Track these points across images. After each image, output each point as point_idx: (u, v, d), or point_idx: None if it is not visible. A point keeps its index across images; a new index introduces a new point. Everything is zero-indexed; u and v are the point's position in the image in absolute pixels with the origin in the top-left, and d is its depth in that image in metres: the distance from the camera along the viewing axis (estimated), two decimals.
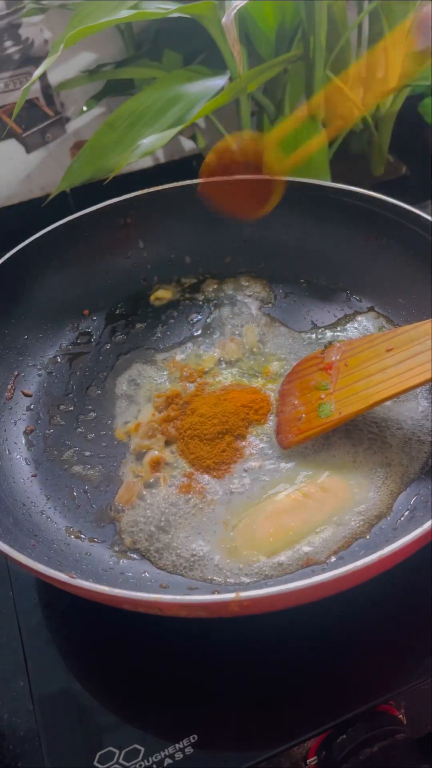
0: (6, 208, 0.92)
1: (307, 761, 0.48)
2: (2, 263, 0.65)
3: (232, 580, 0.50)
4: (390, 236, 0.67)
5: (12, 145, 0.88)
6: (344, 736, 0.46)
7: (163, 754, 0.45)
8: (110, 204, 0.70)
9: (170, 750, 0.46)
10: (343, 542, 0.52)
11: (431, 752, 0.49)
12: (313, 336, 0.67)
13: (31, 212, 0.91)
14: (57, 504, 0.57)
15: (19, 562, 0.44)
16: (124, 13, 0.68)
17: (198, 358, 0.66)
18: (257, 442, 0.59)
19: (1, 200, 0.92)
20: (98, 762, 0.45)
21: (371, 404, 0.55)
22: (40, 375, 0.66)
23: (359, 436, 0.58)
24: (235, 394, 0.61)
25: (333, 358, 0.60)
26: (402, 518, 0.52)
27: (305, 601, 0.43)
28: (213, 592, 0.49)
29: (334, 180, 0.72)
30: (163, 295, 0.73)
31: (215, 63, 0.78)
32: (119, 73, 0.85)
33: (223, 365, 0.66)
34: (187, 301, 0.72)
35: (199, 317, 0.71)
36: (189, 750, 0.45)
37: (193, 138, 0.93)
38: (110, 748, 0.46)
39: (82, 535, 0.54)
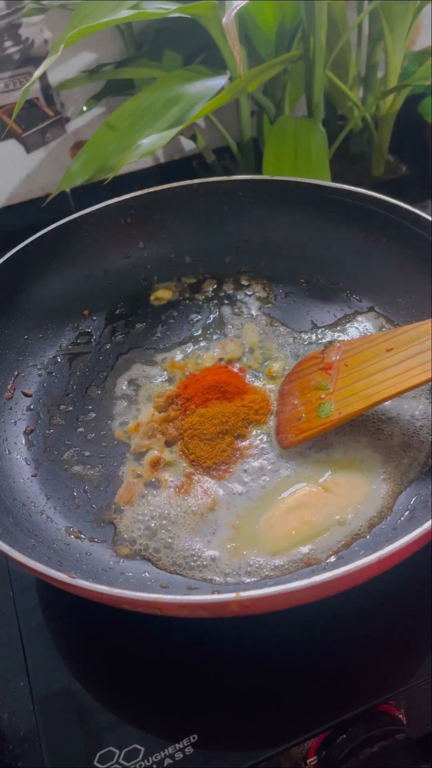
0: (6, 208, 0.92)
1: (307, 761, 0.48)
2: (2, 263, 0.65)
3: (232, 580, 0.50)
4: (390, 236, 0.67)
5: (12, 145, 0.88)
6: (344, 736, 0.46)
7: (163, 754, 0.45)
8: (110, 204, 0.70)
9: (170, 750, 0.46)
10: (343, 542, 0.52)
11: (431, 752, 0.49)
12: (313, 336, 0.67)
13: (31, 212, 0.91)
14: (57, 504, 0.57)
15: (19, 562, 0.44)
16: (124, 13, 0.68)
17: (198, 358, 0.66)
18: (257, 442, 0.59)
19: (1, 200, 0.92)
20: (98, 762, 0.45)
21: (371, 404, 0.55)
22: (40, 375, 0.66)
23: (359, 435, 0.58)
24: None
25: (333, 358, 0.60)
26: (402, 518, 0.52)
27: (305, 601, 0.43)
28: (213, 592, 0.49)
29: (334, 180, 0.72)
30: (163, 295, 0.73)
31: (215, 63, 0.78)
32: (119, 73, 0.85)
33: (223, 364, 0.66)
34: (187, 301, 0.72)
35: (199, 317, 0.71)
36: (189, 750, 0.46)
37: (193, 138, 0.93)
38: (110, 748, 0.46)
39: (82, 535, 0.54)
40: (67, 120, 0.90)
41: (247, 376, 0.64)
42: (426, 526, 0.43)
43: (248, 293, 0.72)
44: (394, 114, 0.85)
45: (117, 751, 0.46)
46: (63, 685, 0.50)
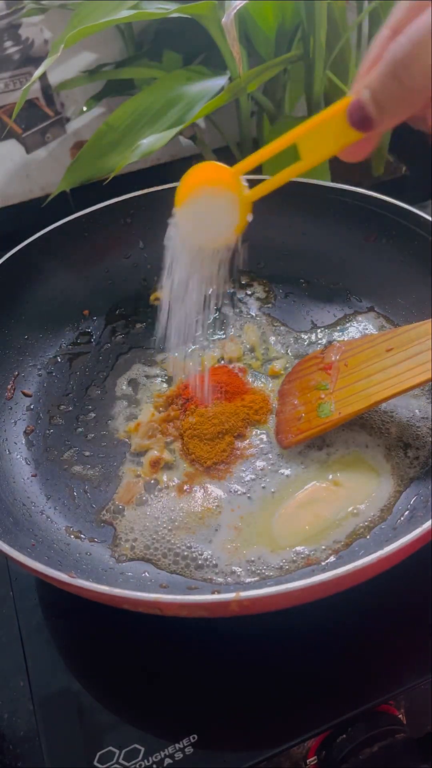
0: (6, 208, 0.92)
1: (307, 761, 0.48)
2: (2, 263, 0.65)
3: (232, 580, 0.50)
4: (390, 236, 0.67)
5: (12, 145, 0.88)
6: (344, 736, 0.46)
7: (163, 754, 0.45)
8: (110, 204, 0.70)
9: (170, 750, 0.46)
10: (343, 542, 0.52)
11: (431, 752, 0.49)
12: (313, 336, 0.67)
13: (31, 212, 0.91)
14: (57, 504, 0.57)
15: (19, 562, 0.44)
16: (124, 13, 0.68)
17: (198, 358, 0.66)
18: (257, 442, 0.59)
19: (1, 200, 0.92)
20: (98, 762, 0.45)
21: (371, 404, 0.55)
22: (40, 375, 0.66)
23: (359, 435, 0.58)
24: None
25: (333, 358, 0.60)
26: (402, 518, 0.52)
27: (305, 601, 0.43)
28: (213, 592, 0.49)
29: (334, 180, 0.72)
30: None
31: (215, 63, 0.78)
32: (119, 73, 0.85)
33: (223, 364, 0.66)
34: None
35: (199, 317, 0.71)
36: (189, 750, 0.45)
37: (193, 138, 0.93)
38: (110, 748, 0.46)
39: (82, 535, 0.54)
40: (67, 120, 0.90)
41: (248, 376, 0.64)
42: (426, 526, 0.43)
43: (248, 293, 0.72)
44: None
45: (117, 751, 0.46)
46: (63, 685, 0.50)
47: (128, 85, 0.87)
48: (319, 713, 0.47)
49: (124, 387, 0.65)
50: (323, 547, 0.52)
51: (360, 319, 0.68)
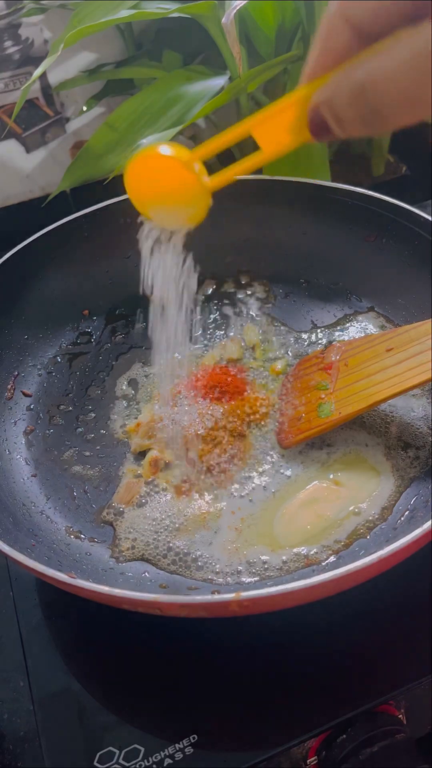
0: (6, 208, 0.92)
1: (307, 761, 0.48)
2: (2, 263, 0.65)
3: (231, 581, 0.50)
4: (390, 236, 0.67)
5: (12, 145, 0.88)
6: (344, 736, 0.46)
7: (163, 754, 0.45)
8: (110, 204, 0.70)
9: (170, 750, 0.46)
10: (343, 542, 0.52)
11: (431, 752, 0.49)
12: (313, 336, 0.67)
13: (31, 212, 0.91)
14: (57, 504, 0.57)
15: (19, 562, 0.44)
16: (124, 13, 0.68)
17: (198, 358, 0.66)
18: (257, 442, 0.59)
19: (1, 200, 0.92)
20: (98, 762, 0.45)
21: (371, 404, 0.55)
22: (40, 375, 0.66)
23: (359, 434, 0.58)
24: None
25: (333, 358, 0.60)
26: (402, 518, 0.52)
27: (305, 601, 0.43)
28: (213, 592, 0.49)
29: (334, 180, 0.72)
30: None
31: (215, 63, 0.78)
32: (119, 73, 0.85)
33: (223, 365, 0.66)
34: None
35: (199, 317, 0.71)
36: (189, 750, 0.45)
37: (193, 138, 0.93)
38: (110, 748, 0.46)
39: (82, 535, 0.54)
40: (67, 120, 0.90)
41: (248, 375, 0.64)
42: (426, 526, 0.43)
43: (248, 293, 0.72)
44: None
45: (117, 751, 0.46)
46: (63, 685, 0.50)
47: (128, 85, 0.87)
48: (319, 713, 0.47)
49: (124, 387, 0.65)
50: (323, 546, 0.52)
51: (360, 318, 0.68)
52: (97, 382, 0.66)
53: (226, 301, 0.72)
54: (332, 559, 0.51)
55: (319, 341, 0.67)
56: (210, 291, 0.73)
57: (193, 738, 0.46)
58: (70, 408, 0.64)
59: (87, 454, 0.60)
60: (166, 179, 0.45)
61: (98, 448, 0.61)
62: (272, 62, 0.75)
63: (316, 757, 0.48)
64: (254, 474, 0.57)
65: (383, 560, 0.41)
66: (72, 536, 0.54)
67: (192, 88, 0.74)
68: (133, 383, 0.65)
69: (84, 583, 0.42)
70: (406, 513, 0.53)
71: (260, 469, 0.57)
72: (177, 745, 0.46)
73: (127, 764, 0.45)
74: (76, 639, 0.53)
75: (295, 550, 0.52)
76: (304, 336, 0.68)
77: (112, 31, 0.85)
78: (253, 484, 0.56)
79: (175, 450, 0.58)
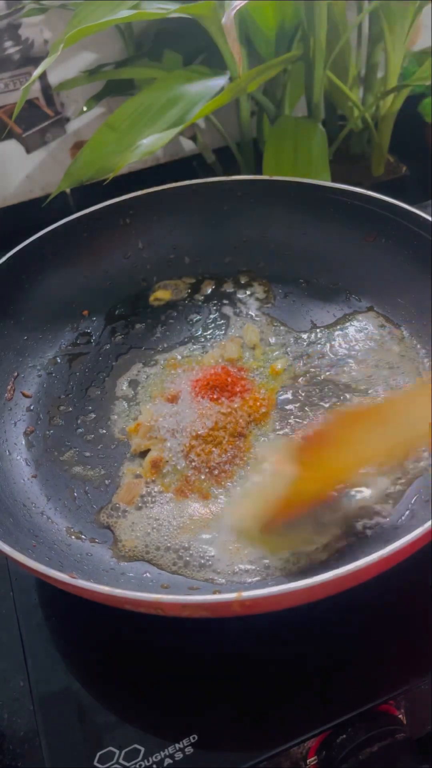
0: (6, 208, 0.92)
1: (307, 761, 0.48)
2: (2, 263, 0.65)
3: (233, 580, 0.50)
4: (390, 236, 0.67)
5: (12, 145, 0.88)
6: (344, 736, 0.46)
7: (163, 754, 0.45)
8: (110, 204, 0.70)
9: (170, 750, 0.46)
10: (343, 542, 0.52)
11: (431, 752, 0.49)
12: (313, 336, 0.67)
13: (31, 212, 0.91)
14: (57, 504, 0.57)
15: (20, 563, 0.44)
16: (124, 13, 0.68)
17: (197, 358, 0.66)
18: (257, 442, 0.59)
19: (1, 200, 0.92)
20: (98, 762, 0.45)
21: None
22: (39, 376, 0.66)
23: None
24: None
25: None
26: (402, 518, 0.52)
27: (306, 601, 0.43)
28: (214, 592, 0.49)
29: (334, 180, 0.72)
30: (162, 295, 0.73)
31: (215, 63, 0.78)
32: (119, 73, 0.85)
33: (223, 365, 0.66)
34: (186, 302, 0.72)
35: (199, 317, 0.71)
36: (189, 750, 0.46)
37: (193, 138, 0.93)
38: (110, 748, 0.46)
39: (83, 536, 0.54)
40: (67, 120, 0.90)
41: (248, 375, 0.64)
42: (426, 526, 0.43)
43: (248, 293, 0.72)
44: (394, 114, 0.85)
45: (117, 751, 0.46)
46: (63, 685, 0.50)
47: (128, 85, 0.87)
48: (320, 713, 0.47)
49: (124, 387, 0.65)
50: (324, 546, 0.51)
51: (360, 318, 0.68)
52: (97, 383, 0.66)
53: (225, 301, 0.72)
54: (332, 559, 0.51)
55: (319, 341, 0.67)
56: (209, 291, 0.73)
57: (193, 738, 0.46)
58: (70, 409, 0.64)
59: (87, 454, 0.60)
60: None
61: (99, 448, 0.61)
62: (272, 62, 0.75)
63: (316, 757, 0.48)
64: (254, 474, 0.57)
65: (383, 560, 0.41)
66: (73, 537, 0.54)
67: (192, 88, 0.74)
68: (133, 384, 0.65)
69: (85, 583, 0.42)
70: (406, 513, 0.53)
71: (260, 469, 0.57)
72: (177, 745, 0.46)
73: (127, 764, 0.45)
74: (76, 639, 0.53)
75: (295, 550, 0.51)
76: (304, 336, 0.68)
77: (112, 31, 0.85)
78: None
79: (175, 450, 0.58)
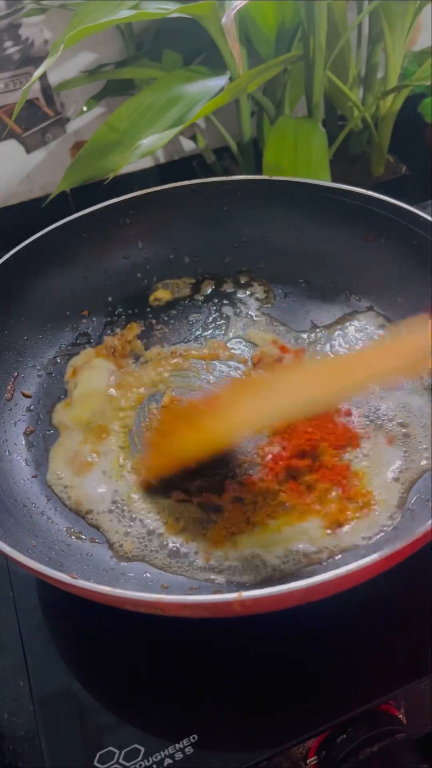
0: (6, 208, 0.92)
1: (307, 761, 0.48)
2: (2, 263, 0.65)
3: (233, 580, 0.50)
4: (390, 236, 0.67)
5: (12, 145, 0.88)
6: (344, 736, 0.46)
7: (163, 754, 0.45)
8: (110, 204, 0.70)
9: (170, 750, 0.46)
10: (343, 542, 0.52)
11: (431, 752, 0.49)
12: (313, 336, 0.67)
13: (31, 212, 0.91)
14: (57, 505, 0.57)
15: (20, 563, 0.44)
16: (124, 13, 0.68)
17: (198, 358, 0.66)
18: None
19: (1, 200, 0.92)
20: (98, 762, 0.46)
21: None
22: (39, 376, 0.66)
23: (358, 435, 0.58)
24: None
25: None
26: (402, 518, 0.52)
27: (306, 601, 0.43)
28: (214, 592, 0.49)
29: (334, 180, 0.72)
30: (162, 295, 0.73)
31: (215, 63, 0.78)
32: (119, 73, 0.85)
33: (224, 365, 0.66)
34: (186, 302, 0.72)
35: (199, 317, 0.71)
36: (189, 750, 0.46)
37: (193, 138, 0.93)
38: (110, 748, 0.46)
39: (83, 536, 0.54)
40: (67, 120, 0.90)
41: (245, 375, 0.64)
42: (426, 526, 0.43)
43: (248, 293, 0.72)
44: (394, 114, 0.85)
45: (117, 751, 0.46)
46: (63, 685, 0.50)
47: (128, 85, 0.87)
48: (319, 713, 0.47)
49: None
50: (324, 546, 0.52)
51: (360, 318, 0.68)
52: None
53: (225, 301, 0.72)
54: (332, 559, 0.51)
55: (319, 341, 0.67)
56: (209, 291, 0.73)
57: (193, 738, 0.46)
58: None
59: None
60: None
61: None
62: (272, 62, 0.75)
63: (316, 757, 0.48)
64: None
65: (383, 560, 0.41)
66: (73, 537, 0.54)
67: (192, 88, 0.74)
68: None
69: (86, 583, 0.42)
70: (407, 513, 0.53)
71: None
72: (177, 745, 0.46)
73: (127, 764, 0.45)
74: (76, 639, 0.53)
75: (295, 549, 0.52)
76: (304, 336, 0.68)
77: (112, 31, 0.85)
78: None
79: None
